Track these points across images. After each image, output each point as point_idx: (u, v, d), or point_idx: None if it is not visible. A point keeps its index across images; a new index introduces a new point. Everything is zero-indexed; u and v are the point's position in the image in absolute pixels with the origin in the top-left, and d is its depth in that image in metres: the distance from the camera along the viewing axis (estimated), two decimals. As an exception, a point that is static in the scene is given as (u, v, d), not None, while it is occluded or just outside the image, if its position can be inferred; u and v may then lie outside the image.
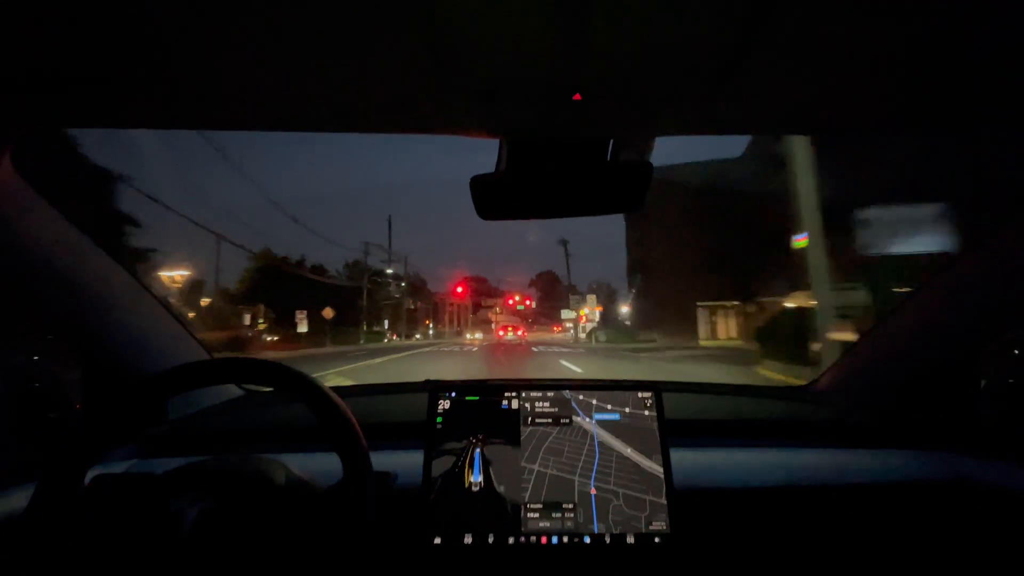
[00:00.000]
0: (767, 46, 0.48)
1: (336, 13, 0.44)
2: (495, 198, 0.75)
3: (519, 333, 30.21)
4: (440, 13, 0.44)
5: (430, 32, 0.47)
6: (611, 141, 0.72)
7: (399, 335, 32.77)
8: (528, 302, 50.75)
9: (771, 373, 8.57)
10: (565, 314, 25.76)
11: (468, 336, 39.08)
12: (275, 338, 20.67)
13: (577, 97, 0.58)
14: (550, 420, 0.87)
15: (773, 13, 0.44)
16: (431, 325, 43.32)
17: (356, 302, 26.95)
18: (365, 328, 26.94)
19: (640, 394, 0.89)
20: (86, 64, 0.51)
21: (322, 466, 0.72)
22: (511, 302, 48.72)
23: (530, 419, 0.87)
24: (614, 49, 0.49)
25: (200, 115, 0.65)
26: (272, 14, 0.44)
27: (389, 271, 33.38)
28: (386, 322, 32.53)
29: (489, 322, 56.13)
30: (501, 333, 29.83)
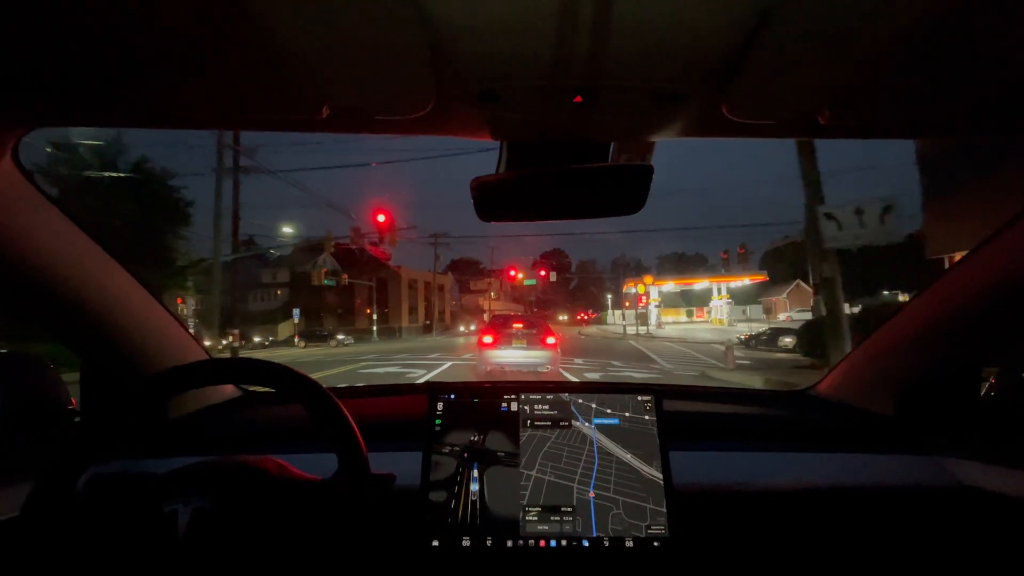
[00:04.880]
0: (768, 49, 0.53)
1: (337, 19, 0.49)
2: (495, 200, 0.83)
3: (549, 343, 9.02)
4: (441, 17, 0.49)
5: (431, 36, 0.52)
6: (612, 144, 0.80)
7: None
8: (543, 273, 37.17)
9: None
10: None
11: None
12: None
13: (578, 100, 0.64)
14: (549, 423, 0.95)
15: (773, 17, 0.49)
16: (373, 315, 31.92)
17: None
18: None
19: (640, 398, 0.97)
20: (86, 64, 0.57)
21: (321, 467, 0.79)
22: (513, 274, 36.02)
23: (529, 422, 0.95)
24: (615, 53, 0.55)
25: (200, 115, 0.72)
26: (272, 16, 0.49)
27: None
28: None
29: (481, 312, 44.14)
30: (488, 340, 9.17)
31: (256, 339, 27.35)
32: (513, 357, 8.95)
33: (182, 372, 0.75)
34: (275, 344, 26.82)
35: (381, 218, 16.61)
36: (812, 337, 10.29)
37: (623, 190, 0.82)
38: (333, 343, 25.64)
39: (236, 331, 15.97)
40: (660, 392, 0.99)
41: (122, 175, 14.94)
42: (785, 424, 1.23)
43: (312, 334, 27.41)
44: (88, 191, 14.23)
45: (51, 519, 0.65)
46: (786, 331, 15.90)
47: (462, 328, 37.57)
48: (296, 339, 26.84)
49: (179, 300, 16.91)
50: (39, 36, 0.53)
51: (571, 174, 0.80)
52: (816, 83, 0.61)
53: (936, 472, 1.03)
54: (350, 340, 26.75)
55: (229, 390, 1.32)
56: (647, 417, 0.97)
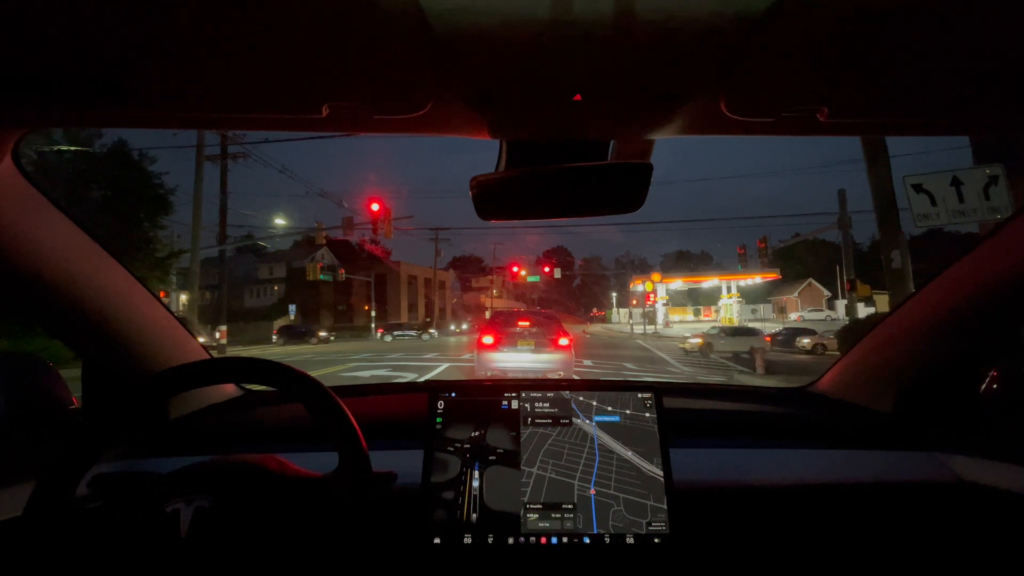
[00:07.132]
0: (767, 48, 0.55)
1: (337, 19, 0.51)
2: (495, 199, 0.85)
3: (561, 344, 7.88)
4: (440, 16, 0.51)
5: (430, 35, 0.53)
6: (611, 142, 0.81)
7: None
8: (548, 269, 35.07)
9: None
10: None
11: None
12: None
13: (577, 98, 0.66)
14: (550, 421, 0.98)
15: (772, 15, 0.50)
16: (372, 312, 32.69)
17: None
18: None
19: (640, 395, 1.00)
20: (86, 64, 0.59)
21: (322, 466, 0.81)
22: (516, 270, 35.16)
23: (530, 419, 0.98)
24: (614, 51, 0.56)
25: (200, 116, 0.74)
26: (271, 16, 0.51)
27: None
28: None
29: (483, 309, 44.30)
30: (488, 340, 7.91)
31: (321, 333, 28.20)
32: (518, 361, 7.75)
33: (185, 371, 0.77)
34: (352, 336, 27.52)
35: (375, 207, 16.11)
36: (855, 341, 10.71)
37: (623, 188, 0.84)
38: (427, 336, 28.73)
39: (224, 328, 15.60)
40: (660, 389, 1.01)
41: (92, 151, 14.18)
42: (785, 421, 1.26)
43: (397, 327, 29.88)
44: (57, 174, 13.45)
45: (54, 519, 0.67)
46: (803, 331, 15.82)
47: (455, 327, 37.93)
48: (379, 333, 29.13)
49: (162, 294, 15.65)
50: (38, 36, 0.55)
51: (571, 172, 0.81)
52: (815, 81, 0.62)
53: (935, 468, 1.06)
54: (435, 334, 30.16)
55: (230, 389, 1.35)
56: (647, 414, 0.99)
